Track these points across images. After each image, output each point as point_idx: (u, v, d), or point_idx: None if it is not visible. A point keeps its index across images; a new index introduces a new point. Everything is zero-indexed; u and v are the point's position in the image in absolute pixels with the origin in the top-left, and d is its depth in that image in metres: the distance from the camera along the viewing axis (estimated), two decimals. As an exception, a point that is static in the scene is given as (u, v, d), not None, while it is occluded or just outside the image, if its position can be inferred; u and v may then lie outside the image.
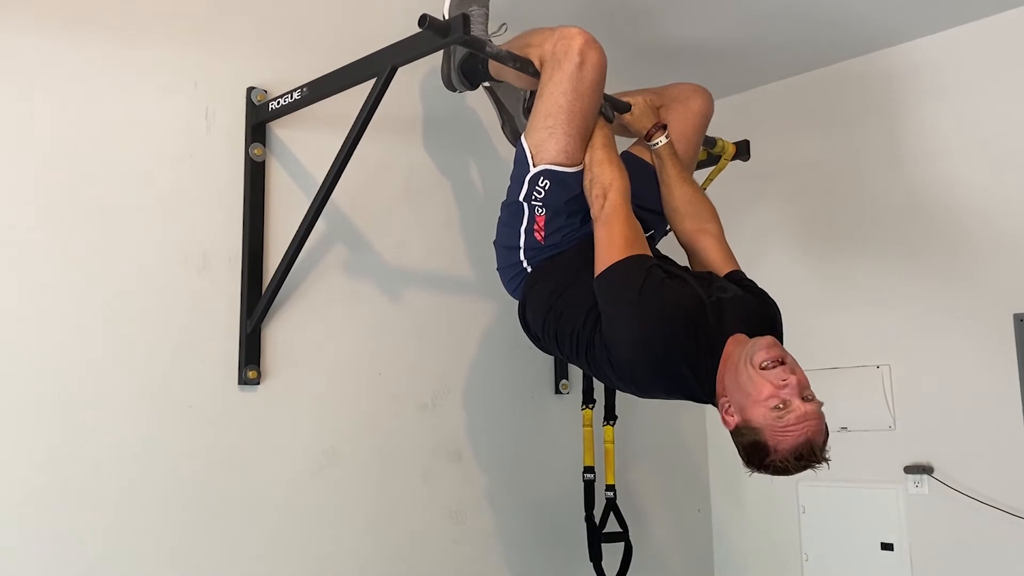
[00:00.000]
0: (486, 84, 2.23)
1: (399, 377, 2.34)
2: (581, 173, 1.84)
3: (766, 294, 1.93)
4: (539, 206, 1.86)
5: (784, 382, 1.61)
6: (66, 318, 1.80)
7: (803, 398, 1.62)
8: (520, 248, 1.90)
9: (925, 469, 2.78)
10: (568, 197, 1.85)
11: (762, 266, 3.20)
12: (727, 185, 3.31)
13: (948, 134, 2.85)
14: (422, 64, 2.31)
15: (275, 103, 2.06)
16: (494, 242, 1.98)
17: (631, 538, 2.63)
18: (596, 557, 2.58)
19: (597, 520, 2.58)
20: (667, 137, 2.06)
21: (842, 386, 2.97)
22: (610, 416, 2.64)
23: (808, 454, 1.62)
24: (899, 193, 2.94)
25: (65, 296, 1.81)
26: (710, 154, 2.43)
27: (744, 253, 3.21)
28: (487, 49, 1.75)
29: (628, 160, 2.13)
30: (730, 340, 1.73)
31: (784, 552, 3.08)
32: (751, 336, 1.73)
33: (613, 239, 1.76)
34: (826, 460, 1.65)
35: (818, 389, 2.97)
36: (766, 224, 3.25)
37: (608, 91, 1.94)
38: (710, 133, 2.31)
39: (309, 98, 1.99)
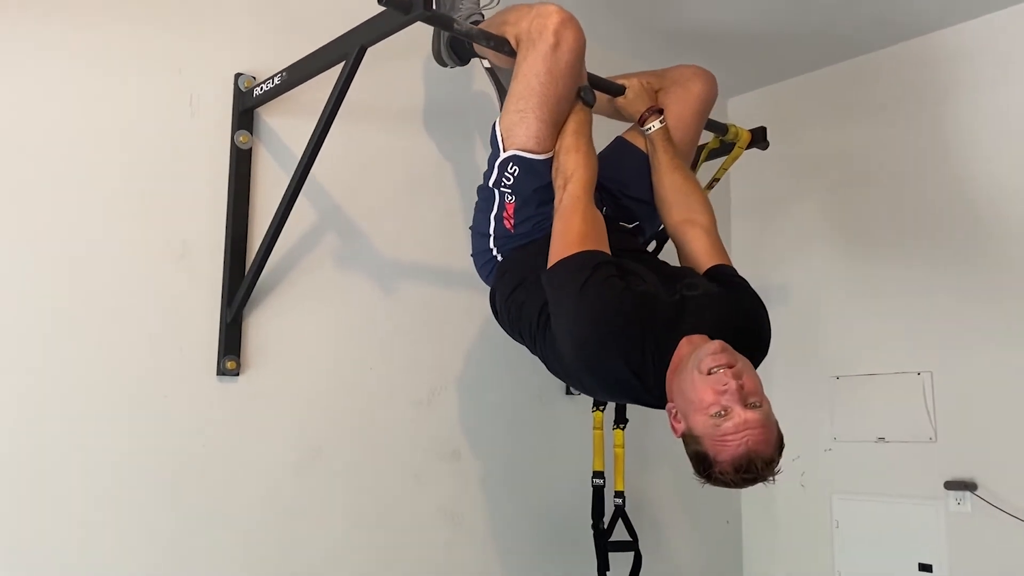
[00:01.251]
0: (486, 65, 2.15)
1: (392, 372, 2.27)
2: (551, 160, 1.75)
3: (751, 293, 1.79)
4: (508, 193, 1.77)
5: (724, 387, 1.49)
6: (41, 305, 1.79)
7: (746, 405, 1.49)
8: (491, 235, 1.82)
9: (967, 485, 2.57)
10: (538, 185, 1.75)
11: (796, 266, 3.05)
12: (760, 181, 3.17)
13: (992, 124, 2.65)
14: (422, 50, 2.25)
15: (259, 89, 2.02)
16: (470, 227, 1.90)
17: (642, 548, 2.50)
18: (603, 566, 2.46)
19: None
20: (662, 122, 1.94)
21: (880, 394, 2.79)
22: (620, 419, 2.51)
23: (748, 466, 1.49)
24: (942, 188, 2.74)
25: (40, 283, 1.80)
26: (723, 142, 2.29)
27: (781, 251, 3.09)
28: (454, 27, 1.67)
29: (619, 147, 2.03)
30: (683, 342, 1.61)
31: (817, 569, 2.90)
32: (714, 336, 1.60)
33: (566, 233, 1.66)
34: (773, 474, 1.52)
35: (853, 396, 2.82)
36: (800, 222, 3.08)
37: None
38: (725, 121, 2.18)
39: (288, 82, 1.95)
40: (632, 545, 2.51)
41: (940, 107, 2.76)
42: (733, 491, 3.06)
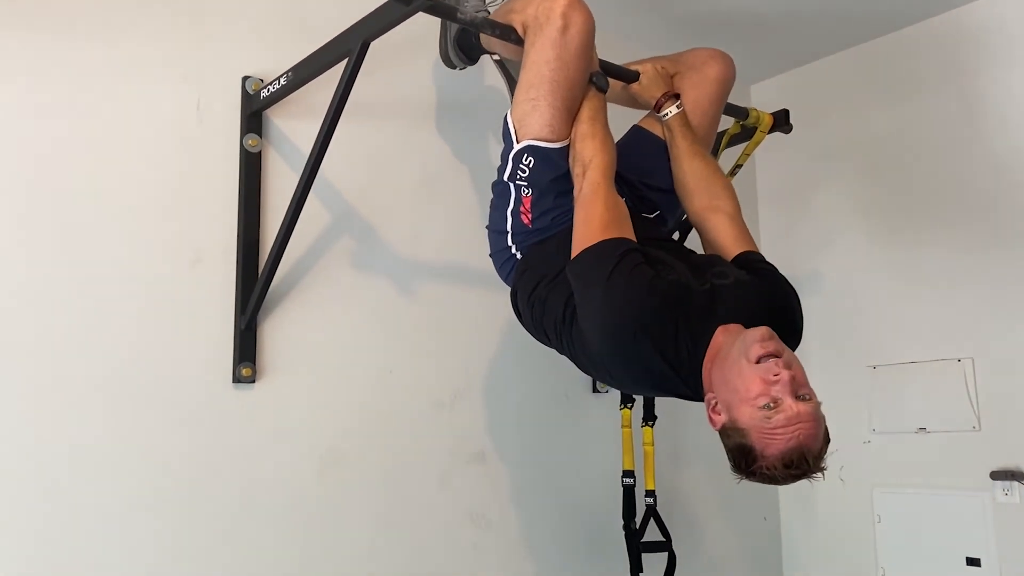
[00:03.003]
0: (495, 58, 2.09)
1: (413, 374, 2.23)
2: (567, 149, 1.69)
3: (781, 279, 1.71)
4: (525, 186, 1.71)
5: (776, 377, 1.42)
6: (54, 314, 1.77)
7: (797, 397, 1.42)
8: (508, 232, 1.76)
9: (1015, 475, 2.46)
10: (554, 175, 1.69)
11: (831, 252, 2.96)
12: (787, 168, 3.09)
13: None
14: (433, 47, 2.20)
15: (266, 91, 1.98)
16: (486, 227, 1.84)
17: (676, 548, 2.44)
18: (636, 568, 2.40)
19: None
20: (679, 107, 1.88)
21: (920, 382, 2.69)
22: (649, 416, 2.45)
23: (799, 461, 1.41)
24: (978, 167, 2.63)
25: (54, 292, 1.78)
26: (744, 127, 2.22)
27: (811, 238, 3.00)
28: (458, 16, 1.62)
29: (636, 135, 1.97)
30: (719, 331, 1.54)
31: (859, 565, 2.81)
32: (749, 325, 1.53)
33: (589, 221, 1.60)
34: (821, 470, 1.45)
35: (892, 386, 2.73)
36: (834, 207, 2.98)
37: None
38: (742, 105, 2.11)
39: (295, 82, 1.91)
40: (665, 545, 2.45)
41: (973, 83, 2.66)
42: (770, 487, 3.00)
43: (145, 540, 1.80)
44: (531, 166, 1.69)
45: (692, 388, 1.58)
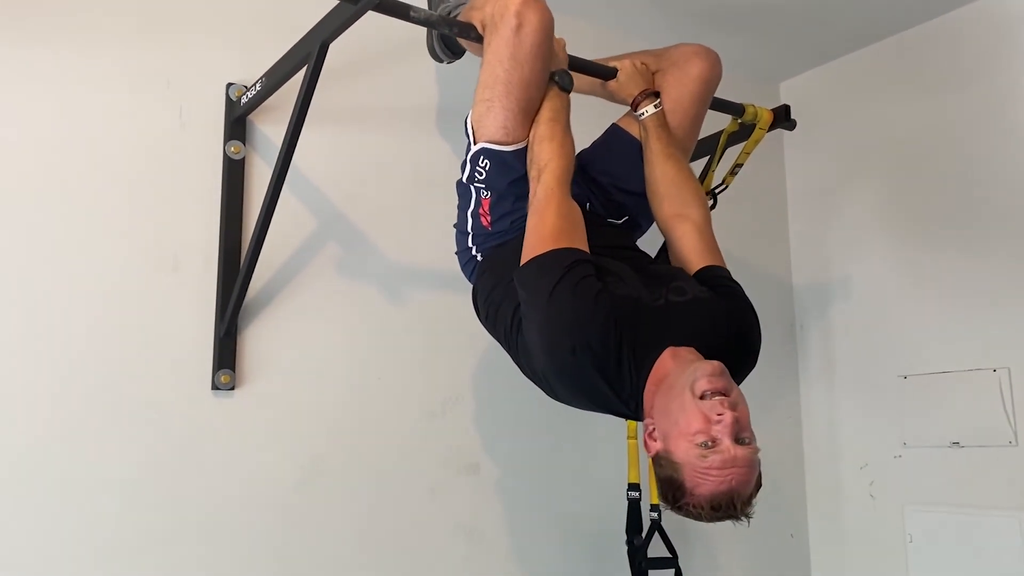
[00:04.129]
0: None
1: (402, 382, 2.19)
2: (524, 151, 1.63)
3: (741, 299, 1.64)
4: (483, 188, 1.67)
5: (719, 417, 1.36)
6: (34, 320, 1.80)
7: (737, 440, 1.37)
8: (470, 234, 1.73)
9: (1054, 493, 2.29)
10: (512, 178, 1.64)
11: (858, 258, 2.81)
12: (817, 168, 2.95)
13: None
14: (425, 51, 2.17)
15: (244, 97, 1.98)
16: (453, 225, 1.80)
17: (693, 566, 2.34)
18: (639, 585, 2.31)
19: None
20: (656, 107, 1.80)
21: (953, 393, 2.53)
22: (654, 427, 2.36)
23: (727, 506, 1.37)
24: (1013, 167, 2.46)
25: (33, 298, 1.80)
26: (742, 124, 2.11)
27: (842, 242, 2.86)
28: (411, 15, 1.58)
29: (612, 135, 1.90)
30: (666, 353, 1.47)
31: (890, 587, 2.65)
32: (702, 348, 1.47)
33: (539, 229, 1.54)
34: (748, 517, 1.40)
35: (924, 397, 2.57)
36: (860, 210, 2.83)
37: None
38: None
39: (268, 88, 1.90)
40: (672, 561, 2.34)
41: (1015, 76, 2.48)
42: (798, 502, 2.87)
43: (120, 548, 1.81)
44: (487, 169, 1.64)
45: (632, 410, 1.52)
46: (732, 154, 2.21)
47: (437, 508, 2.19)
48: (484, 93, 1.62)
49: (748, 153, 2.14)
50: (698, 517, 1.41)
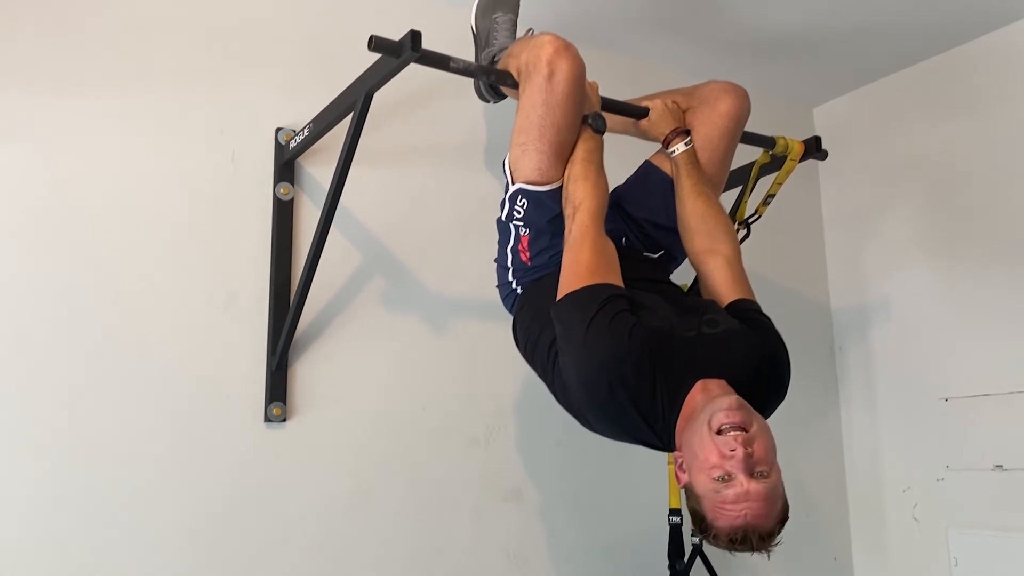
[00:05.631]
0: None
1: (446, 411, 2.26)
2: (558, 191, 1.70)
3: (772, 332, 1.68)
4: (521, 226, 1.74)
5: (732, 453, 1.40)
6: (95, 354, 1.90)
7: (751, 474, 1.41)
8: (510, 268, 1.80)
9: (1099, 517, 2.28)
10: (549, 216, 1.71)
11: (897, 279, 2.83)
12: (853, 191, 2.97)
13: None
14: (470, 89, 2.24)
15: (293, 142, 2.08)
16: (494, 260, 1.88)
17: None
18: (682, 609, 2.34)
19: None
20: (687, 144, 1.85)
21: (994, 416, 2.53)
22: (696, 452, 2.39)
23: (743, 539, 1.41)
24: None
25: (94, 334, 1.90)
26: (774, 156, 2.15)
27: (880, 263, 2.88)
28: (450, 65, 1.66)
29: (646, 172, 1.96)
30: (697, 386, 1.52)
31: (936, 611, 2.65)
32: (732, 380, 1.51)
33: (574, 265, 1.60)
34: (768, 550, 1.43)
35: (965, 420, 2.57)
36: (903, 230, 2.85)
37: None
38: (766, 132, 2.05)
39: (316, 133, 1.99)
40: (714, 585, 2.38)
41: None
42: (841, 526, 2.87)
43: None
44: (525, 208, 1.71)
45: (665, 443, 1.57)
46: (765, 184, 2.25)
47: (481, 534, 2.25)
48: (520, 137, 1.69)
49: (780, 184, 2.18)
50: (722, 548, 1.45)
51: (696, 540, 2.37)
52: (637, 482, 2.48)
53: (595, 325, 1.51)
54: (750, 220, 2.20)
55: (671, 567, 2.34)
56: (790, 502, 2.76)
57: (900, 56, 2.80)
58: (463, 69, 1.69)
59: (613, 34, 2.59)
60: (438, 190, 2.34)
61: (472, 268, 2.34)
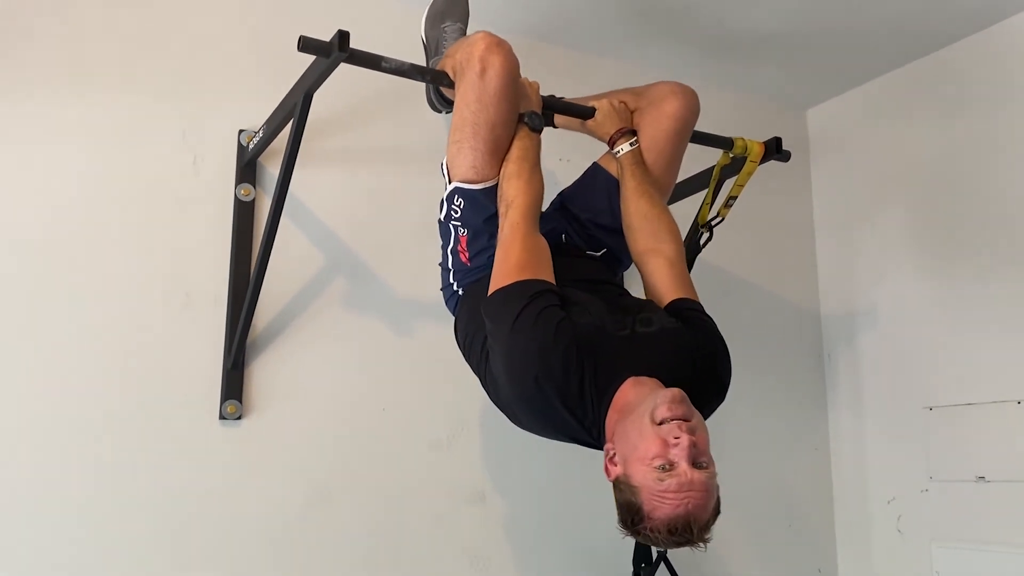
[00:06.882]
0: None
1: (408, 413, 2.26)
2: (494, 189, 1.69)
3: (712, 331, 1.66)
4: (460, 226, 1.74)
5: (676, 440, 1.39)
6: (50, 351, 1.93)
7: (694, 464, 1.39)
8: (451, 270, 1.80)
9: (1082, 532, 2.20)
10: (486, 216, 1.71)
11: (885, 286, 2.77)
12: (845, 195, 2.91)
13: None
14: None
15: (251, 144, 2.10)
16: (439, 263, 1.88)
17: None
18: (645, 616, 2.31)
19: None
20: (632, 145, 1.84)
21: (978, 426, 2.46)
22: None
23: (683, 529, 1.39)
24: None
25: (52, 332, 1.94)
26: (733, 158, 2.12)
27: (870, 269, 2.81)
28: (382, 65, 1.67)
29: (593, 173, 1.95)
30: (628, 382, 1.51)
31: (918, 627, 2.57)
32: (667, 378, 1.49)
33: (505, 261, 1.60)
34: (705, 541, 1.42)
35: (949, 429, 2.53)
36: (889, 238, 2.78)
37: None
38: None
39: (269, 135, 2.01)
40: (679, 593, 2.34)
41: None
42: (827, 537, 2.81)
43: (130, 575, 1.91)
44: (462, 207, 1.71)
45: (595, 437, 1.56)
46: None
47: (443, 536, 2.24)
48: (455, 135, 1.69)
49: (741, 186, 2.14)
50: (656, 542, 1.44)
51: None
52: (602, 485, 2.44)
53: (522, 319, 1.50)
54: (713, 223, 2.17)
55: (635, 573, 2.32)
56: (776, 511, 2.73)
57: (892, 57, 2.73)
58: (395, 69, 1.69)
59: (602, 36, 2.57)
60: (402, 191, 2.35)
61: (435, 270, 2.32)
